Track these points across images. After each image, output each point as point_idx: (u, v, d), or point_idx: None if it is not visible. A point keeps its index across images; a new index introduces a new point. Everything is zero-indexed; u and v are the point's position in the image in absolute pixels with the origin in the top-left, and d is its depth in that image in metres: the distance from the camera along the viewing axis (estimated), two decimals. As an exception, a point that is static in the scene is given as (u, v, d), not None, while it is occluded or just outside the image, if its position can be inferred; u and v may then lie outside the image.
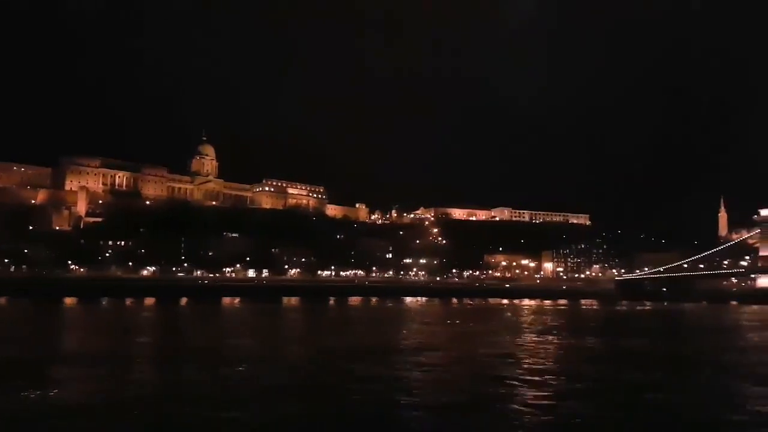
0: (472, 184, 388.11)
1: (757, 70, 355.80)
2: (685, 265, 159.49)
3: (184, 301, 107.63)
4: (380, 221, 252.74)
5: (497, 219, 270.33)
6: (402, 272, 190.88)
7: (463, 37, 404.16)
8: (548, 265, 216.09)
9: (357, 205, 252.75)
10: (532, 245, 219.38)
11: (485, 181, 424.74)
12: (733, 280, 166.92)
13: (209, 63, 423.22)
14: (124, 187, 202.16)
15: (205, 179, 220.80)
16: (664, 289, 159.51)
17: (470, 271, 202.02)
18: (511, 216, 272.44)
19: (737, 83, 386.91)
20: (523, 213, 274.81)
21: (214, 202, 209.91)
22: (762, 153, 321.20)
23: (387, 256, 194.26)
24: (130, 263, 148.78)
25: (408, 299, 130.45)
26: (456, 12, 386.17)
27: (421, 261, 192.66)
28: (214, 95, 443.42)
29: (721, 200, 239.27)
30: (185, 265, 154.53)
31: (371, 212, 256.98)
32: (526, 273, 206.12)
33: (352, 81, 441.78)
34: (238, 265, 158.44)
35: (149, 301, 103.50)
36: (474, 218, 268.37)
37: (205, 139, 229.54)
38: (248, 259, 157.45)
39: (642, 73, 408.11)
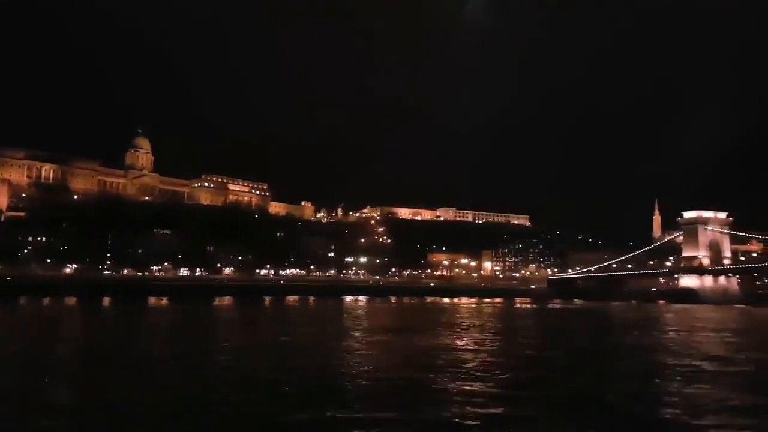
0: (420, 185, 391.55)
1: (687, 83, 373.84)
2: (614, 265, 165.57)
3: (107, 301, 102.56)
4: (326, 220, 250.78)
5: (442, 219, 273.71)
6: (344, 271, 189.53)
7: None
8: (488, 264, 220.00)
9: (302, 203, 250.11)
10: (474, 245, 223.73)
11: (433, 181, 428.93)
12: (661, 279, 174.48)
13: (151, 53, 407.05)
14: (51, 181, 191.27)
15: (139, 173, 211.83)
16: (598, 288, 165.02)
17: (412, 270, 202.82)
18: (456, 216, 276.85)
19: (669, 91, 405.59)
20: (467, 213, 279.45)
21: (147, 198, 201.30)
22: (694, 159, 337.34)
23: (329, 254, 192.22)
24: (51, 260, 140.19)
25: (348, 298, 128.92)
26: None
27: (362, 260, 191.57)
28: (156, 87, 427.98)
29: (656, 203, 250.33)
30: (108, 263, 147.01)
31: (317, 210, 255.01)
32: (464, 272, 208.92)
33: (302, 73, 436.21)
34: (166, 263, 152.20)
35: (70, 300, 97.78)
36: (419, 218, 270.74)
37: (140, 132, 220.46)
38: (180, 257, 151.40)
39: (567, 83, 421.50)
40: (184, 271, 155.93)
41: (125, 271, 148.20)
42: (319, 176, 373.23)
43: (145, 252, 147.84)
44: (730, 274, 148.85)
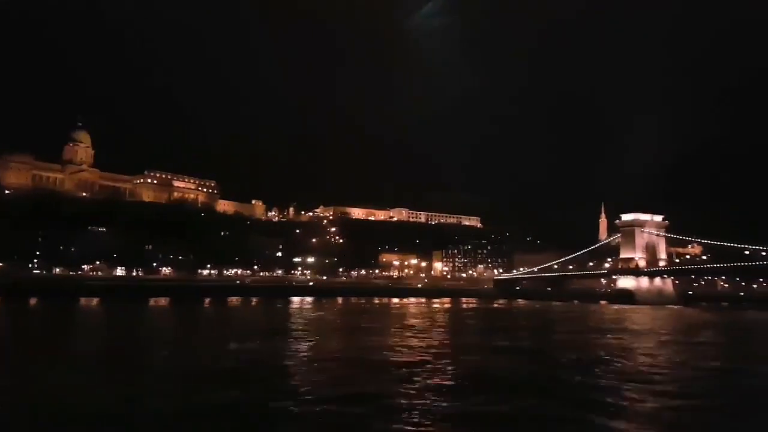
0: (374, 185, 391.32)
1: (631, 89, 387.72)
2: (556, 266, 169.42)
3: (33, 301, 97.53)
4: (277, 219, 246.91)
5: (395, 219, 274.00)
6: (292, 271, 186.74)
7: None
8: (438, 265, 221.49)
9: (253, 202, 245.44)
10: (425, 245, 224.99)
11: (387, 181, 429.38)
12: (603, 280, 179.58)
13: (96, 47, 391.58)
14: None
15: (77, 168, 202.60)
16: (542, 288, 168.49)
17: (361, 271, 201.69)
18: (409, 217, 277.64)
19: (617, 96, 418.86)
20: (420, 214, 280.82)
21: (85, 194, 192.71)
22: (639, 163, 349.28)
23: (277, 254, 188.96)
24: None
25: (296, 299, 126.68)
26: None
27: (309, 260, 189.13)
28: (103, 77, 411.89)
29: (602, 206, 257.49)
30: (36, 261, 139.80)
31: (268, 209, 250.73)
32: (411, 272, 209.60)
33: (257, 71, 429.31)
34: (98, 262, 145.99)
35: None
36: (373, 218, 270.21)
37: (80, 125, 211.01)
38: (115, 256, 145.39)
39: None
40: (120, 271, 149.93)
41: (57, 270, 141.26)
42: (273, 175, 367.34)
43: (78, 250, 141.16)
44: (665, 276, 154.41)
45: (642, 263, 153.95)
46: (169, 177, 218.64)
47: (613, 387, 26.08)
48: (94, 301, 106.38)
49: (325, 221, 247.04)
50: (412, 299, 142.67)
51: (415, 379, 27.17)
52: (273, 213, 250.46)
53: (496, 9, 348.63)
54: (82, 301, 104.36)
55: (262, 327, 60.03)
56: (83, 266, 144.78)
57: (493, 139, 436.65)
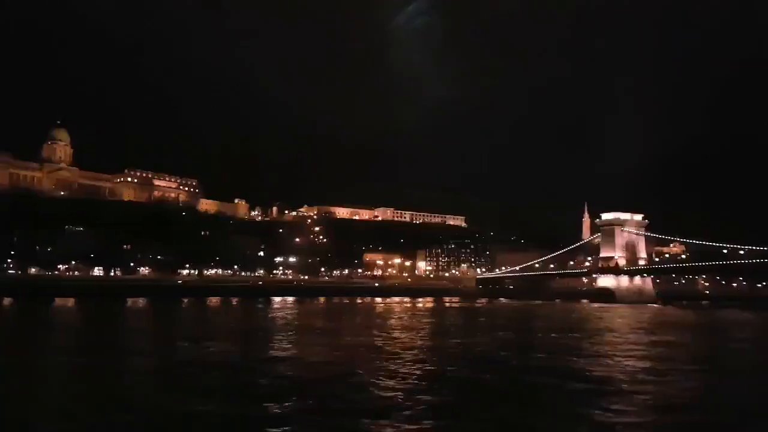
0: (360, 185, 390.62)
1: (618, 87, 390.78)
2: (537, 265, 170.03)
3: (7, 301, 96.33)
4: (260, 218, 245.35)
5: (380, 219, 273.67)
6: (275, 271, 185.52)
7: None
8: (422, 264, 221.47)
9: (236, 201, 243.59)
10: (410, 245, 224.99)
11: (373, 182, 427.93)
12: (584, 279, 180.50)
13: (79, 43, 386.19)
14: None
15: (56, 167, 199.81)
16: (524, 287, 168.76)
17: (343, 270, 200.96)
18: (393, 216, 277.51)
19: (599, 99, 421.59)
20: (404, 213, 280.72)
21: (64, 193, 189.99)
22: (621, 163, 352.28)
23: (259, 254, 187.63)
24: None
25: (277, 299, 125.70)
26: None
27: (291, 260, 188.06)
28: (87, 76, 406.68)
29: (585, 206, 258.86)
30: (10, 261, 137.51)
31: (252, 209, 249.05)
32: (394, 272, 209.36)
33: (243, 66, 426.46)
34: (74, 262, 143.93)
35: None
36: (357, 217, 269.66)
37: (59, 123, 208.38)
38: (93, 256, 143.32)
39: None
40: (98, 271, 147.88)
41: (33, 271, 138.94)
42: (257, 175, 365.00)
43: (54, 250, 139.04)
44: (645, 275, 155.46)
45: (622, 262, 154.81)
46: (149, 176, 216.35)
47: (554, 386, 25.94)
48: (70, 301, 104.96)
49: (309, 221, 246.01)
50: (396, 299, 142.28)
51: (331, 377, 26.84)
52: (256, 212, 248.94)
53: (476, 13, 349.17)
54: (58, 301, 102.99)
55: (224, 328, 59.38)
56: (59, 266, 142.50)
57: (479, 141, 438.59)
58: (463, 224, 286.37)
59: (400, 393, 23.86)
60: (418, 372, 29.21)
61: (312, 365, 31.64)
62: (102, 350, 38.70)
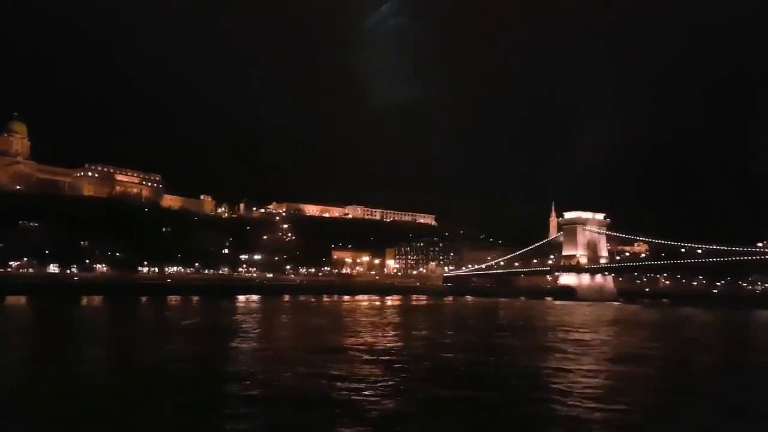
0: (330, 182, 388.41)
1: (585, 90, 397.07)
2: (503, 263, 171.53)
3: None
4: (227, 215, 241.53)
5: (350, 216, 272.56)
6: (240, 269, 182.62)
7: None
8: (391, 262, 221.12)
9: (201, 197, 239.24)
10: (380, 243, 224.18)
11: (343, 179, 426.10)
12: (548, 277, 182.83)
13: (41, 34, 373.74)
14: None
15: (12, 160, 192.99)
16: (490, 285, 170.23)
17: (311, 268, 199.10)
18: (364, 214, 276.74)
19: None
20: (375, 211, 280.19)
21: (20, 187, 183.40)
22: (583, 163, 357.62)
23: (224, 251, 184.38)
24: None
25: (242, 298, 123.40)
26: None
27: (256, 257, 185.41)
28: (48, 69, 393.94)
29: (552, 206, 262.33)
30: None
31: (218, 205, 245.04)
32: (363, 269, 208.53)
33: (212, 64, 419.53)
34: (26, 259, 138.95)
35: None
36: (327, 215, 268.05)
37: (16, 115, 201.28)
38: (47, 252, 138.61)
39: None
40: (54, 268, 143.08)
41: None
42: (224, 171, 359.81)
43: (6, 246, 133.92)
44: (606, 273, 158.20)
45: (583, 260, 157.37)
46: (111, 170, 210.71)
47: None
48: (22, 299, 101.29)
49: (278, 218, 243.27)
50: (364, 297, 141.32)
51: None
52: (222, 209, 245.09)
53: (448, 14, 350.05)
54: (9, 299, 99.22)
55: (170, 327, 57.86)
56: (12, 263, 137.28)
57: (450, 140, 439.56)
58: (434, 222, 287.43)
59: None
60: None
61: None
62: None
